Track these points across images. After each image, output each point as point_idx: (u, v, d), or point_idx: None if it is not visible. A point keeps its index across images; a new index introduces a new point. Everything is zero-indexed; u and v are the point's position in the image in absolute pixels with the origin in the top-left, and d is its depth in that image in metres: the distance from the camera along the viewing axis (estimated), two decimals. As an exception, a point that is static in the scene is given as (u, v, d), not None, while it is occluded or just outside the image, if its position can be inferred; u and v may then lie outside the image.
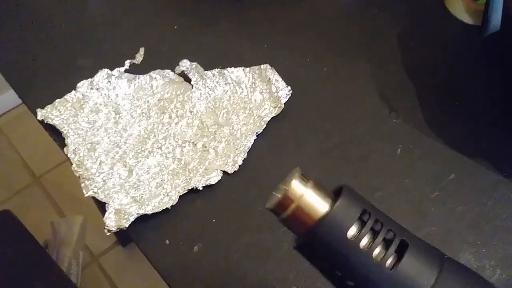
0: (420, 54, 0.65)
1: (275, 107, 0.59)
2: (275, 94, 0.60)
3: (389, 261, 0.33)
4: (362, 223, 0.33)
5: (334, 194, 0.34)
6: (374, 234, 0.33)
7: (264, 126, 0.58)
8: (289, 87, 0.60)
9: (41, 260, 0.90)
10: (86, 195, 0.54)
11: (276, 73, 0.61)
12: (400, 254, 0.33)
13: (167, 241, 0.52)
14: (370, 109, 0.60)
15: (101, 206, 0.54)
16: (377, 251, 0.33)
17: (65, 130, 0.58)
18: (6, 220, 0.95)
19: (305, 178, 0.34)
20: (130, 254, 1.38)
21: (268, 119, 0.59)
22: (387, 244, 0.34)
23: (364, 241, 0.33)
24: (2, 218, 0.96)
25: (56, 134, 0.59)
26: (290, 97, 0.60)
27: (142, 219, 0.52)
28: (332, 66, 0.64)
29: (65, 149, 0.57)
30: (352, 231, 0.33)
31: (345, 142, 0.57)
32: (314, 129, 0.59)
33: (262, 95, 0.60)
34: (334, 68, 0.64)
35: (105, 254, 1.41)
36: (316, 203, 0.33)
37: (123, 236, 1.33)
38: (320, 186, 0.34)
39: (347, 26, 0.68)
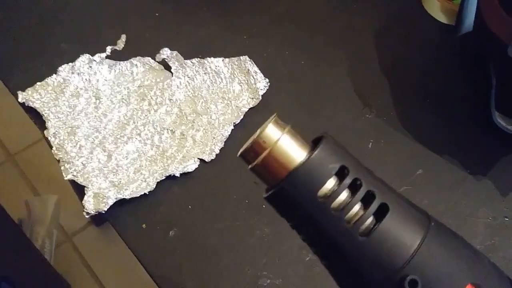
0: (396, 52, 0.67)
1: (252, 98, 0.61)
2: (253, 85, 0.61)
3: (364, 227, 0.30)
4: (341, 181, 0.30)
5: (314, 144, 0.31)
6: (353, 195, 0.30)
7: (242, 116, 0.60)
8: (267, 80, 0.62)
9: (17, 238, 0.91)
10: (65, 178, 0.55)
11: (255, 65, 0.62)
12: (379, 219, 0.30)
13: (144, 225, 0.54)
14: (345, 104, 0.62)
15: (77, 188, 0.55)
16: (351, 214, 0.30)
17: (45, 113, 0.59)
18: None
19: (282, 124, 0.31)
20: (104, 234, 1.39)
21: (246, 110, 0.60)
22: (366, 207, 0.30)
23: (339, 202, 0.30)
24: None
25: (36, 117, 0.60)
26: (267, 89, 0.62)
27: (120, 203, 0.54)
28: (310, 59, 0.66)
29: (45, 132, 0.58)
30: (326, 188, 0.29)
31: (318, 129, 0.59)
32: (290, 121, 0.60)
33: (241, 86, 0.62)
34: (312, 62, 0.65)
35: (79, 234, 1.41)
36: (291, 151, 0.30)
37: (97, 216, 1.33)
38: (297, 134, 0.31)
39: (326, 21, 0.70)
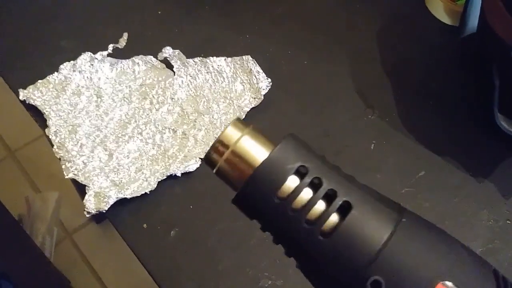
0: (399, 52, 0.67)
1: (254, 98, 0.61)
2: (256, 85, 0.61)
3: (327, 227, 0.28)
4: (302, 182, 0.29)
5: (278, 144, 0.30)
6: (315, 194, 0.29)
7: (244, 116, 0.60)
8: (269, 79, 0.61)
9: (16, 235, 0.91)
10: (66, 177, 0.55)
11: (257, 64, 0.62)
12: (343, 218, 0.28)
13: (144, 225, 0.53)
14: (346, 104, 0.62)
15: (78, 186, 0.55)
16: (313, 214, 0.29)
17: (46, 111, 0.59)
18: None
19: (243, 125, 0.30)
20: (104, 231, 1.39)
21: (248, 109, 0.60)
22: (330, 206, 0.29)
23: (300, 202, 0.29)
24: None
25: (37, 115, 0.60)
26: (270, 89, 0.61)
27: (121, 203, 0.54)
28: (312, 59, 0.65)
29: (46, 130, 0.58)
30: (287, 188, 0.29)
31: (320, 136, 0.59)
32: (292, 121, 0.60)
33: (243, 85, 0.62)
34: (314, 62, 0.65)
35: (79, 231, 1.41)
36: (252, 152, 0.30)
37: (98, 215, 1.33)
38: (260, 135, 0.31)
39: (329, 21, 0.70)
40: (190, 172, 0.56)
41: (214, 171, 0.31)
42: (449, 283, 0.28)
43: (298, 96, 0.62)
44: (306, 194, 0.29)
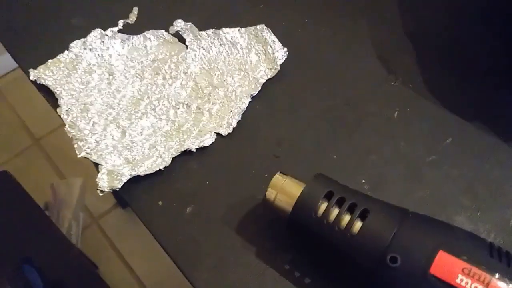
0: (421, 15, 0.63)
1: (270, 68, 0.58)
2: (271, 55, 0.59)
3: (354, 229, 0.41)
4: (331, 202, 0.42)
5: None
6: (341, 208, 0.42)
7: (260, 88, 0.57)
8: (285, 48, 0.59)
9: (40, 221, 0.91)
10: (78, 156, 0.54)
11: (272, 34, 0.59)
12: (364, 220, 0.41)
13: (160, 202, 0.52)
14: (368, 71, 0.59)
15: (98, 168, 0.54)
16: (344, 222, 0.41)
17: (58, 90, 0.58)
18: (4, 181, 0.96)
19: (283, 174, 0.46)
20: (130, 216, 1.39)
21: (264, 81, 0.58)
22: (353, 215, 0.41)
23: (333, 216, 0.42)
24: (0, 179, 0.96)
25: (49, 95, 0.58)
26: (286, 58, 0.59)
27: (135, 180, 0.52)
28: (330, 27, 0.62)
29: (58, 110, 0.57)
30: (321, 209, 0.42)
31: (341, 105, 0.57)
32: (310, 91, 0.58)
33: (258, 56, 0.59)
34: (332, 30, 0.62)
35: (105, 216, 1.42)
36: (291, 190, 0.44)
37: (122, 198, 1.33)
38: (295, 178, 0.46)
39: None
40: (205, 147, 0.54)
41: (268, 206, 0.46)
42: (447, 249, 0.38)
43: (316, 65, 0.60)
44: (335, 209, 0.42)
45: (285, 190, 0.45)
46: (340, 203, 0.42)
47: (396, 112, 0.56)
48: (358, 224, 0.41)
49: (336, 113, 0.56)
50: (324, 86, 0.58)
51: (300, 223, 0.44)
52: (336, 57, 0.60)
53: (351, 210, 0.42)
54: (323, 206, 0.42)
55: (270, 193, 0.45)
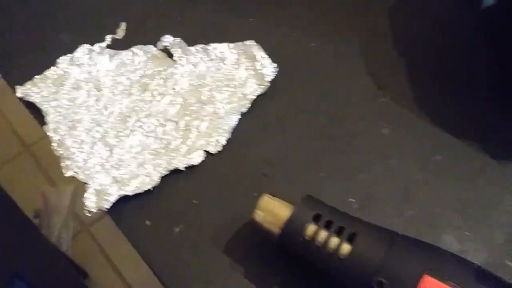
0: (412, 30, 0.63)
1: (260, 85, 0.58)
2: (260, 71, 0.58)
3: (343, 252, 0.41)
4: (319, 225, 0.42)
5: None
6: (329, 232, 0.42)
7: (249, 105, 0.57)
8: (275, 64, 0.58)
9: (29, 232, 0.90)
10: (66, 175, 0.53)
11: (262, 49, 0.59)
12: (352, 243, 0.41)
13: (147, 222, 0.51)
14: (358, 87, 0.59)
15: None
16: (332, 245, 0.41)
17: (45, 108, 0.57)
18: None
19: (272, 195, 0.46)
20: (122, 223, 1.38)
21: (253, 97, 0.57)
22: (341, 238, 0.42)
23: (321, 239, 0.42)
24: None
25: (36, 111, 0.58)
26: (276, 74, 0.58)
27: (123, 199, 0.52)
28: (320, 41, 0.62)
29: (44, 127, 0.56)
30: (310, 231, 0.42)
31: (331, 121, 0.56)
32: (301, 108, 0.57)
33: (247, 72, 0.59)
34: (322, 44, 0.62)
35: (96, 223, 1.41)
36: (279, 212, 0.44)
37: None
38: (284, 200, 0.45)
39: (337, 0, 0.66)
40: (194, 166, 0.53)
41: (256, 227, 0.45)
42: (433, 274, 0.38)
43: (306, 80, 0.59)
44: (323, 232, 0.42)
45: (273, 212, 0.44)
46: (328, 226, 0.42)
47: (386, 129, 0.55)
48: (346, 247, 0.41)
49: (326, 131, 0.56)
50: (314, 102, 0.58)
51: (289, 246, 0.44)
52: (327, 72, 0.60)
53: (339, 233, 0.42)
54: (311, 229, 0.42)
55: (258, 215, 0.45)
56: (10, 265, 0.79)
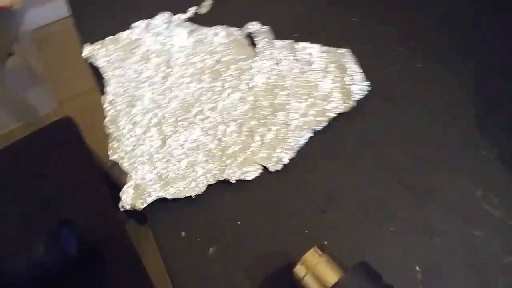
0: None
1: (344, 102, 0.50)
2: (349, 86, 0.50)
3: None
4: None
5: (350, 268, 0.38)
6: None
7: (326, 123, 0.49)
8: (368, 82, 0.50)
9: (93, 178, 0.88)
10: (110, 158, 0.49)
11: (357, 62, 0.50)
12: None
13: (183, 233, 0.46)
14: (458, 131, 0.49)
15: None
16: None
17: (107, 76, 0.52)
18: (67, 128, 0.94)
19: (320, 251, 0.39)
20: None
21: (333, 115, 0.49)
22: None
23: None
24: (63, 124, 0.94)
25: (99, 76, 0.53)
26: (366, 94, 0.50)
27: (161, 200, 0.47)
28: (428, 63, 0.52)
29: (102, 97, 0.52)
30: None
31: (413, 165, 0.48)
32: (383, 139, 0.49)
33: (334, 84, 0.51)
34: (429, 67, 0.52)
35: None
36: (326, 274, 0.38)
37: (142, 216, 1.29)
38: (333, 260, 0.39)
39: (458, 21, 0.55)
40: (246, 180, 0.47)
41: (295, 280, 0.39)
42: None
43: (400, 108, 0.50)
44: None
45: (317, 271, 0.39)
46: None
47: (480, 191, 0.46)
48: None
49: (405, 174, 0.47)
50: (401, 136, 0.49)
51: None
52: (426, 103, 0.51)
53: None
54: None
55: (300, 270, 0.39)
56: (65, 208, 0.78)
